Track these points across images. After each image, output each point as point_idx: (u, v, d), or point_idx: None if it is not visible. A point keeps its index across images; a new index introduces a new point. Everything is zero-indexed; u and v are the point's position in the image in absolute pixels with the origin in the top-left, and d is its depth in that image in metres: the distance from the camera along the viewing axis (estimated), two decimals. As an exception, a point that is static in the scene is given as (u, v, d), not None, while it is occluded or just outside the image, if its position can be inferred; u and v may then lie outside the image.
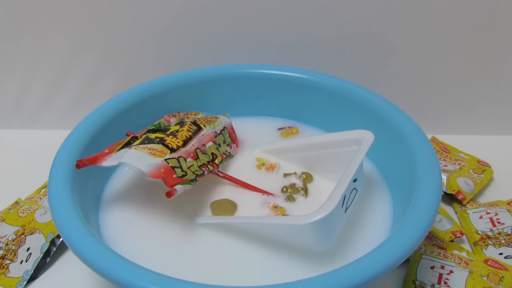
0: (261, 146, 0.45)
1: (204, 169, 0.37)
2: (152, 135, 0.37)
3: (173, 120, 0.41)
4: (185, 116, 0.43)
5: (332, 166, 0.41)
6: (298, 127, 0.49)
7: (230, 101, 0.49)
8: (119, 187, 0.41)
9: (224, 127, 0.43)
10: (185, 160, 0.35)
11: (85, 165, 0.34)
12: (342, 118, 0.45)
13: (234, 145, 0.44)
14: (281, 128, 0.49)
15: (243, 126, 0.48)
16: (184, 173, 0.34)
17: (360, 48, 0.54)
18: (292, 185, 0.41)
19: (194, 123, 0.40)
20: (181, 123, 0.40)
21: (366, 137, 0.38)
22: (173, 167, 0.34)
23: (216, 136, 0.40)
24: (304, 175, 0.42)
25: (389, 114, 0.41)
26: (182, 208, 0.38)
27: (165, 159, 0.34)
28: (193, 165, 0.36)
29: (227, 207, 0.38)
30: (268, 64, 0.49)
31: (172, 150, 0.35)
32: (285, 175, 0.42)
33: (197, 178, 0.36)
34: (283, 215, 0.38)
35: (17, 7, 0.52)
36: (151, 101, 0.45)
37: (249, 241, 0.36)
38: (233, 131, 0.45)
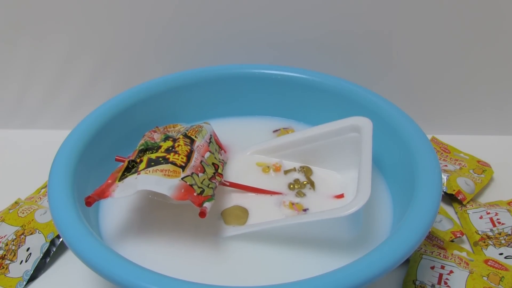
0: (251, 147, 0.44)
1: (214, 181, 0.36)
2: (152, 155, 0.35)
3: (157, 136, 0.39)
4: (166, 130, 0.41)
5: (330, 155, 0.41)
6: (294, 127, 0.49)
7: (223, 101, 0.49)
8: (115, 218, 0.39)
9: (210, 135, 0.42)
10: (198, 176, 0.34)
11: (95, 201, 0.33)
12: (341, 117, 0.45)
13: (222, 151, 0.43)
14: (276, 130, 0.48)
15: (238, 127, 0.48)
16: (201, 189, 0.33)
17: (360, 48, 0.54)
18: (297, 181, 0.41)
19: (186, 135, 0.38)
20: (171, 138, 0.38)
21: (363, 122, 0.38)
22: (191, 185, 0.33)
23: (209, 146, 0.40)
24: (304, 169, 0.42)
25: (389, 114, 0.41)
26: (198, 223, 0.37)
27: (182, 178, 0.33)
28: (204, 179, 0.35)
29: (239, 214, 0.38)
30: (266, 64, 0.49)
31: (182, 168, 0.34)
32: (286, 172, 0.42)
33: (214, 192, 0.35)
34: (303, 210, 0.38)
35: (17, 8, 0.52)
36: (151, 101, 0.45)
37: (274, 243, 0.35)
38: (217, 137, 0.44)
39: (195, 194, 0.32)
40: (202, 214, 0.32)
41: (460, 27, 0.52)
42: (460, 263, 0.40)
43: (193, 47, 0.55)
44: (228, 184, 0.39)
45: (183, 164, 0.34)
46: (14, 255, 0.41)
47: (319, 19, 0.52)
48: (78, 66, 0.56)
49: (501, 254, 0.42)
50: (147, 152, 0.36)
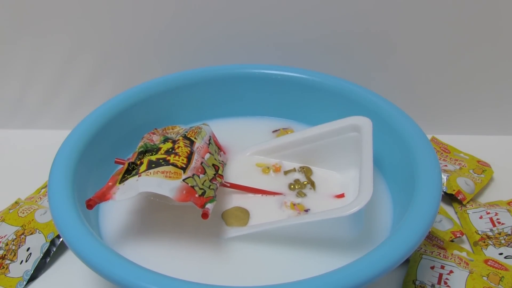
0: (251, 147, 0.44)
1: (215, 182, 0.36)
2: (153, 157, 0.35)
3: (156, 138, 0.39)
4: (164, 131, 0.41)
5: (329, 155, 0.41)
6: (294, 127, 0.49)
7: (223, 102, 0.49)
8: (115, 220, 0.38)
9: (210, 136, 0.41)
10: (199, 177, 0.34)
11: (96, 203, 0.32)
12: (341, 117, 0.45)
13: (222, 152, 0.43)
14: (276, 130, 0.48)
15: (237, 128, 0.48)
16: (203, 190, 0.33)
17: (360, 48, 0.54)
18: (297, 181, 0.41)
19: (185, 137, 0.38)
20: (171, 140, 0.38)
21: (363, 122, 0.39)
22: (192, 187, 0.33)
23: (208, 147, 0.39)
24: (304, 169, 0.42)
25: (389, 114, 0.41)
26: (199, 224, 0.37)
27: (183, 180, 0.33)
28: (205, 180, 0.35)
29: (240, 215, 0.38)
30: (266, 64, 0.49)
31: (183, 169, 0.34)
32: (286, 172, 0.42)
33: (215, 193, 0.35)
34: (305, 210, 0.38)
35: (17, 8, 0.52)
36: (151, 101, 0.45)
37: (275, 243, 0.35)
38: (216, 138, 0.44)
39: (196, 195, 0.32)
40: (205, 215, 0.32)
41: (460, 26, 0.52)
42: (460, 263, 0.40)
43: (193, 47, 0.55)
44: (228, 185, 0.39)
45: (184, 166, 0.34)
46: (14, 255, 0.41)
47: (319, 20, 0.52)
48: (78, 66, 0.56)
49: (501, 254, 0.42)
50: (147, 154, 0.36)
